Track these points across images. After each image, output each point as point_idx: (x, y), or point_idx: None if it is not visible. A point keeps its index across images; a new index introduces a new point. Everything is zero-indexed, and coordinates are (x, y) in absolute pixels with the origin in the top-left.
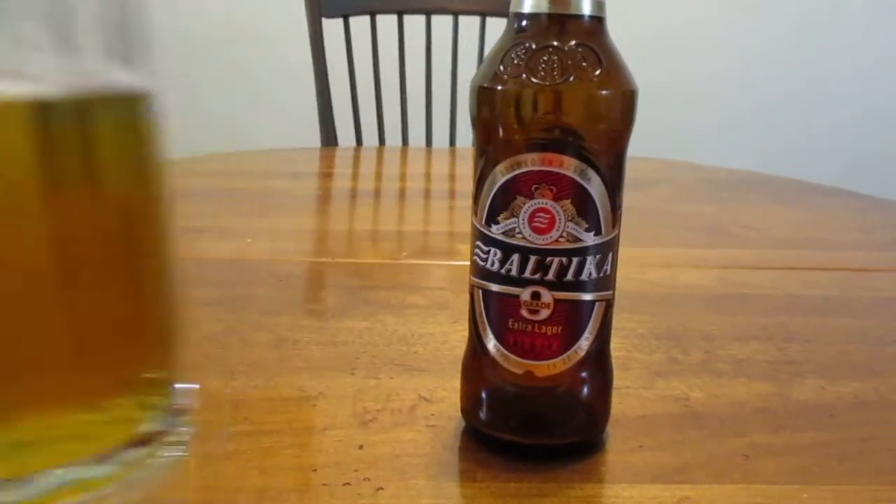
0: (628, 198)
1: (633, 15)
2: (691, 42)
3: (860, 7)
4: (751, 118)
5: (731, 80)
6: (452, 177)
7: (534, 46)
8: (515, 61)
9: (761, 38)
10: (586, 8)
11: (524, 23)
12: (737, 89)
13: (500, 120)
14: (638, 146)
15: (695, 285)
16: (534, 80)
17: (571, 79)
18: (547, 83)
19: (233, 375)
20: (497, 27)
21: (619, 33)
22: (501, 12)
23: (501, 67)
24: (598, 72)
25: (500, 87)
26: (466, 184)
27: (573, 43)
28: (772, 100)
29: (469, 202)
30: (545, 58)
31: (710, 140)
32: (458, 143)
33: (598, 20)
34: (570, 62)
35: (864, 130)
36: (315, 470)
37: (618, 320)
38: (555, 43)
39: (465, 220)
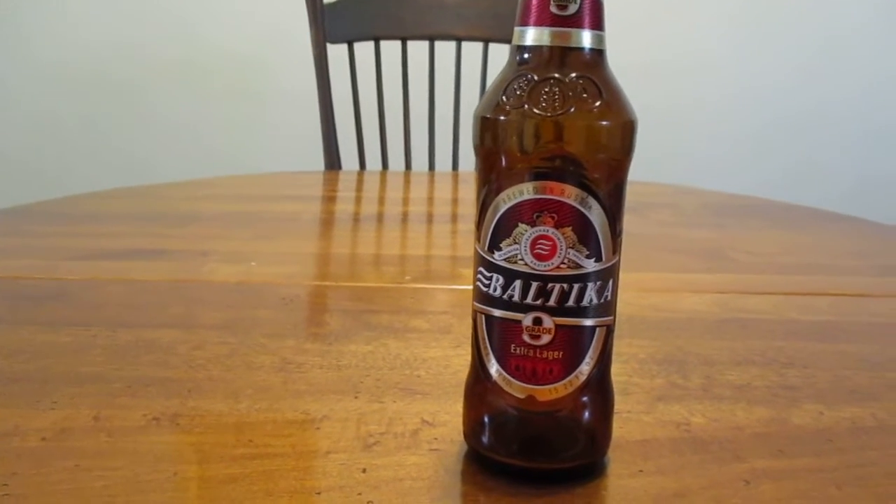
0: (628, 222)
1: (635, 37)
2: (693, 64)
3: (864, 29)
4: (753, 140)
5: (733, 103)
6: (455, 201)
7: (535, 78)
8: (518, 92)
9: (764, 60)
10: (587, 41)
11: (526, 55)
12: (739, 112)
13: (502, 149)
14: (638, 170)
15: (695, 310)
16: (535, 110)
17: (572, 110)
18: (548, 114)
19: (237, 398)
20: (499, 53)
21: (620, 56)
22: (503, 39)
23: (504, 98)
24: (598, 103)
25: (502, 118)
26: (469, 208)
27: (574, 75)
28: (775, 122)
29: (471, 226)
30: (546, 89)
31: (712, 163)
32: (461, 167)
33: (598, 53)
34: (570, 93)
35: (870, 152)
36: (319, 493)
37: (618, 345)
38: (556, 75)
39: (467, 245)
